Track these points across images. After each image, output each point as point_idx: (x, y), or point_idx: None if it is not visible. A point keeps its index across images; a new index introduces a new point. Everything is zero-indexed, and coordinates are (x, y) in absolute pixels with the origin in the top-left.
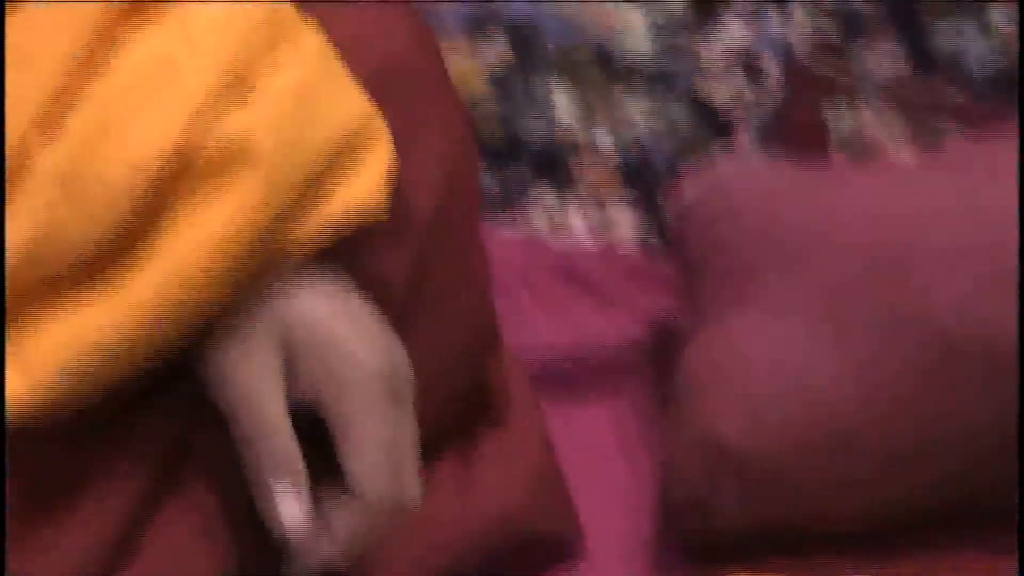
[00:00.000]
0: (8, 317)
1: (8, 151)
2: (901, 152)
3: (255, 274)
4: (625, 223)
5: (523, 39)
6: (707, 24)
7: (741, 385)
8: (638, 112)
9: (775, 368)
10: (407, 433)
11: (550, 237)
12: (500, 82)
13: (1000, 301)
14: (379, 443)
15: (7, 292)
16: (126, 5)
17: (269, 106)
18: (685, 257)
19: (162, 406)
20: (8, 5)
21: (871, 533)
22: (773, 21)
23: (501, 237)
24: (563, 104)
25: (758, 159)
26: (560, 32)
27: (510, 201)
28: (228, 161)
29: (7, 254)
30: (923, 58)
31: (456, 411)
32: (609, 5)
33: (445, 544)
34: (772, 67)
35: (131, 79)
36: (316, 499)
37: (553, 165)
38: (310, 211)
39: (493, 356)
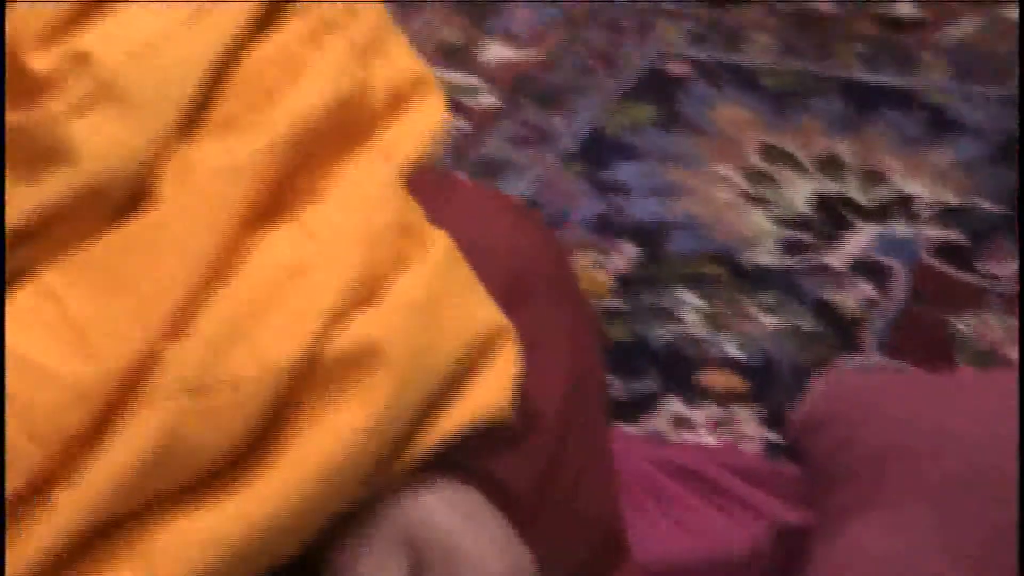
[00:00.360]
0: (132, 519)
1: (135, 354)
2: None
3: (381, 475)
4: (750, 428)
5: (651, 242)
6: (834, 229)
7: None
8: (765, 318)
9: None
10: None
11: (675, 440)
12: (627, 285)
13: None
14: None
15: (131, 497)
16: (255, 209)
17: (398, 310)
18: (809, 462)
19: None
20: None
21: None
22: (900, 226)
23: (626, 439)
24: (690, 309)
25: (882, 364)
26: (688, 236)
27: (636, 405)
28: (357, 365)
29: (134, 458)
30: None
31: None
32: (737, 209)
33: None
34: (898, 272)
35: (260, 283)
36: None
37: (680, 371)
38: (437, 415)
39: (619, 564)
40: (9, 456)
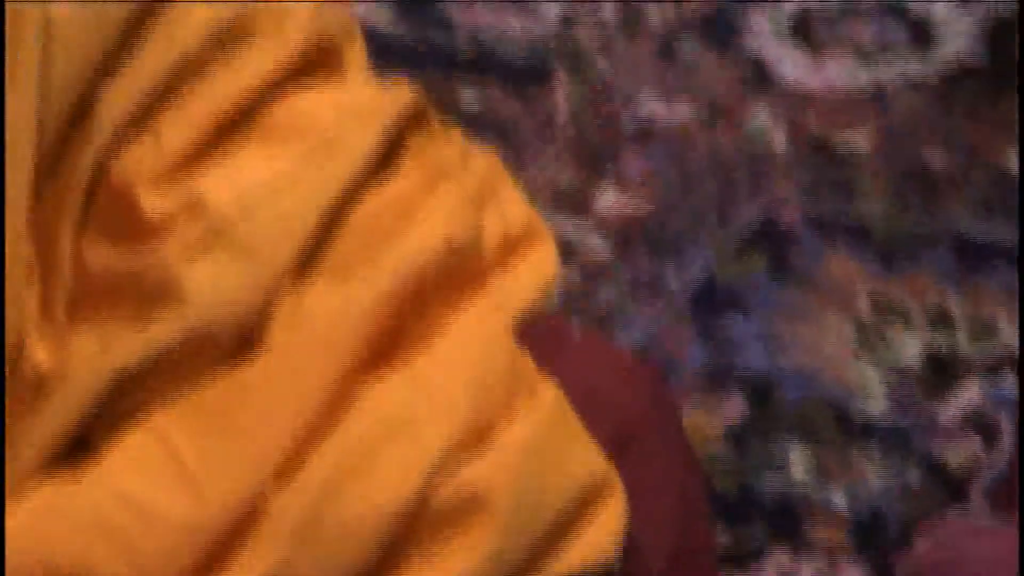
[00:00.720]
0: None
1: (245, 498)
2: None
3: None
4: None
5: (760, 394)
6: (943, 384)
7: None
8: (872, 471)
9: None
10: None
11: None
12: (736, 436)
13: None
14: None
15: None
16: (367, 355)
17: (506, 458)
18: None
19: None
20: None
21: None
22: (1008, 382)
23: None
24: (798, 461)
25: (990, 519)
26: (797, 388)
27: (743, 557)
28: (464, 512)
29: None
30: None
31: None
32: (847, 361)
33: None
34: (1006, 428)
35: (370, 429)
36: None
37: (787, 523)
38: (542, 565)
39: None
40: None
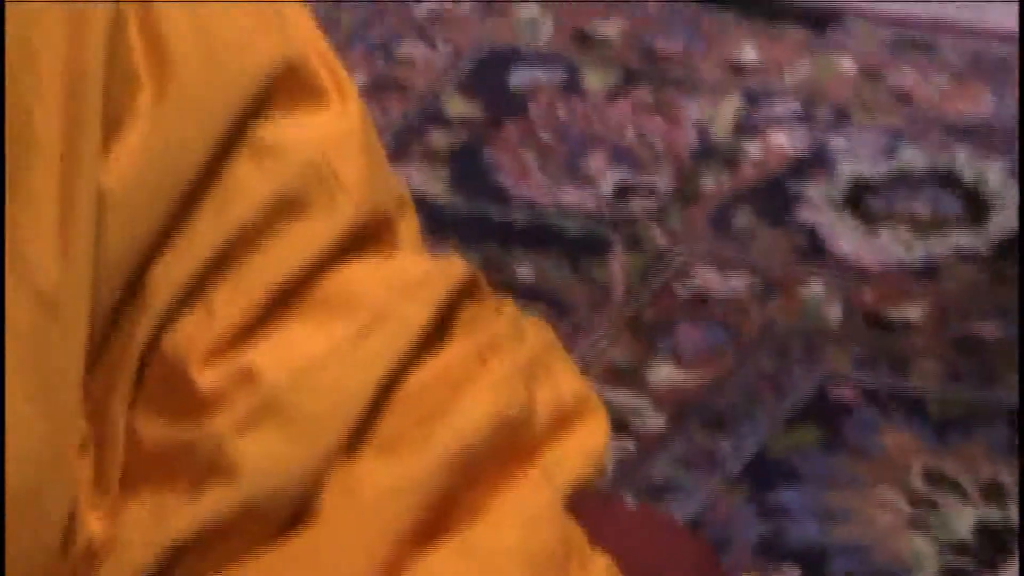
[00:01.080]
0: None
1: None
2: None
3: None
4: None
5: (813, 566)
6: (996, 558)
7: None
8: None
9: None
10: None
11: None
12: None
13: None
14: None
15: None
16: (418, 528)
17: None
18: None
19: None
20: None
21: None
22: None
23: None
24: None
25: None
26: (850, 560)
27: None
28: None
29: None
30: None
31: None
32: (899, 534)
33: None
34: None
35: None
36: None
37: None
38: None
39: None
40: None
